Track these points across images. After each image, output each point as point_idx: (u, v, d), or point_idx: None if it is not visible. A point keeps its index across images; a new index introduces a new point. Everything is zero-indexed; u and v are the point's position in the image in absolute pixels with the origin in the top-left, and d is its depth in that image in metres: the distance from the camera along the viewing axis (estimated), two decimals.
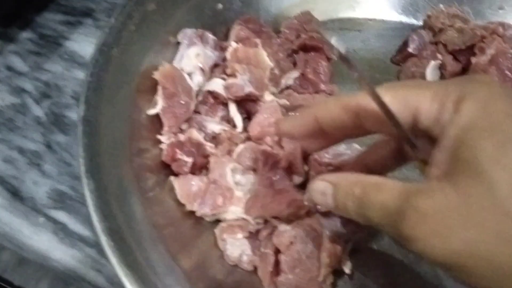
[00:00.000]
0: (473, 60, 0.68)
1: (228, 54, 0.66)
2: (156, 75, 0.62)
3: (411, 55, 0.75)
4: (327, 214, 0.59)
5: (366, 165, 0.52)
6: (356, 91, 0.73)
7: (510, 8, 0.78)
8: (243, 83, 0.63)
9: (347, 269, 0.57)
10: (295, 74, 0.71)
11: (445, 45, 0.72)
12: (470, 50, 0.70)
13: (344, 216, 0.44)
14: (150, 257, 0.51)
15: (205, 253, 0.58)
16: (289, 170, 0.61)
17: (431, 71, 0.72)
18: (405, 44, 0.76)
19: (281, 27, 0.77)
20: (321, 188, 0.45)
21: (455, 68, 0.71)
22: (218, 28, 0.74)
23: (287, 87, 0.71)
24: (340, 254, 0.57)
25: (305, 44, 0.73)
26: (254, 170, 0.60)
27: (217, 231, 0.58)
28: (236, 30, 0.72)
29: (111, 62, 0.60)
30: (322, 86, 0.69)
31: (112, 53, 0.60)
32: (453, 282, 0.58)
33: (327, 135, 0.47)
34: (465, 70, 0.71)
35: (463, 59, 0.71)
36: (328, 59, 0.73)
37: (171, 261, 0.53)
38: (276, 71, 0.70)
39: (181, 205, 0.58)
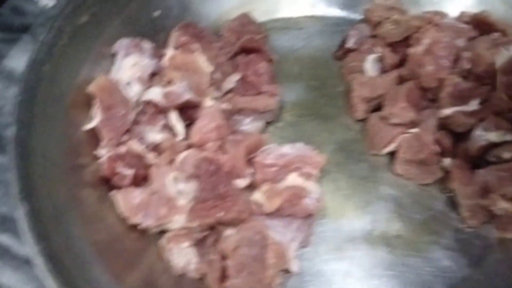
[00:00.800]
0: (410, 50, 0.69)
1: (165, 62, 0.66)
2: (91, 88, 0.61)
3: (350, 50, 0.76)
4: (271, 215, 0.59)
5: None
6: (297, 90, 0.75)
7: None
8: (181, 90, 0.63)
9: (294, 268, 0.58)
10: (236, 77, 0.70)
11: (383, 38, 0.73)
12: (407, 41, 0.71)
13: None
14: (91, 277, 0.50)
15: (151, 266, 0.57)
16: (233, 174, 0.61)
17: (370, 64, 0.73)
18: (345, 39, 0.76)
19: (222, 30, 0.77)
20: None
21: (393, 59, 0.72)
22: (158, 35, 0.74)
23: (229, 91, 0.70)
24: (286, 253, 0.57)
25: (245, 46, 0.72)
26: (198, 177, 0.60)
27: (162, 242, 0.58)
28: (175, 36, 0.71)
29: (43, 79, 0.59)
30: (264, 87, 0.69)
31: (43, 69, 0.59)
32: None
33: None
34: (403, 61, 0.72)
35: (401, 50, 0.72)
36: (269, 60, 0.73)
37: (115, 279, 0.52)
38: (218, 75, 0.70)
39: (124, 219, 0.58)
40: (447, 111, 0.64)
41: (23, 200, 0.50)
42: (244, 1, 0.81)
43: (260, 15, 0.80)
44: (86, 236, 0.53)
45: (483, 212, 0.62)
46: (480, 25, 0.72)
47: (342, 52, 0.77)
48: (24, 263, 0.61)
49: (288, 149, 0.64)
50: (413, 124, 0.67)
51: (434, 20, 0.72)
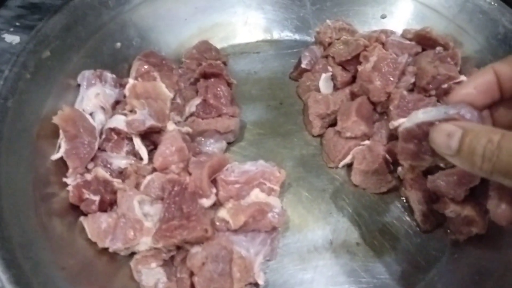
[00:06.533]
0: (359, 68, 0.74)
1: (126, 91, 0.68)
2: (56, 120, 0.63)
3: (305, 70, 0.80)
4: (236, 230, 0.62)
5: None
6: (257, 110, 0.78)
7: (391, 16, 0.85)
8: (143, 118, 0.65)
9: (260, 280, 0.60)
10: (197, 101, 0.73)
11: (333, 58, 0.78)
12: (356, 59, 0.76)
13: (459, 163, 0.46)
14: None
15: None
16: (198, 194, 0.63)
17: (323, 83, 0.77)
18: (299, 61, 0.81)
19: (183, 57, 0.80)
20: (449, 130, 0.46)
21: (344, 77, 0.76)
22: (120, 66, 0.77)
23: (191, 114, 0.73)
24: (251, 267, 0.59)
25: (205, 71, 0.76)
26: (162, 199, 0.62)
27: (132, 263, 0.60)
28: (136, 65, 0.74)
29: (8, 113, 0.61)
30: (224, 109, 0.73)
31: (8, 104, 0.61)
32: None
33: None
34: (354, 78, 0.76)
35: (351, 68, 0.77)
36: (228, 83, 0.76)
37: None
38: (179, 100, 0.73)
39: (93, 244, 0.60)
40: (396, 123, 0.68)
41: None
42: (202, 29, 0.85)
43: (219, 42, 0.85)
44: (56, 262, 0.55)
45: (436, 216, 0.66)
46: (423, 40, 0.78)
47: (298, 73, 0.81)
48: None
49: (250, 166, 0.67)
50: (365, 136, 0.71)
51: (381, 38, 0.77)
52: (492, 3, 0.77)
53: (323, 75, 0.77)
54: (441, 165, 0.66)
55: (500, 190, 0.51)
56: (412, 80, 0.73)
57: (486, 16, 0.77)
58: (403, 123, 0.55)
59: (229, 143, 0.75)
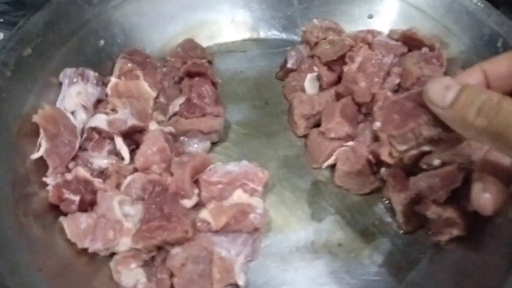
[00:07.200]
0: (345, 68, 0.73)
1: (108, 90, 0.68)
2: (36, 118, 0.63)
3: (291, 70, 0.80)
4: (217, 231, 0.61)
5: None
6: (242, 110, 0.78)
7: (378, 15, 0.85)
8: (125, 117, 0.65)
9: (241, 281, 0.60)
10: (181, 100, 0.73)
11: (319, 58, 0.77)
12: (342, 59, 0.75)
13: (450, 117, 0.44)
14: None
15: None
16: (179, 195, 0.63)
17: (309, 83, 0.77)
18: (285, 60, 0.80)
19: (168, 56, 0.80)
20: (447, 83, 0.45)
21: (330, 78, 0.76)
22: (104, 63, 0.76)
23: (175, 114, 0.73)
24: (232, 268, 0.59)
25: (190, 70, 0.75)
26: (143, 199, 0.62)
27: (111, 264, 0.59)
28: (120, 63, 0.73)
29: None
30: (208, 109, 0.72)
31: None
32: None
33: None
34: (340, 78, 0.76)
35: (337, 69, 0.76)
36: (213, 83, 0.76)
37: None
38: (162, 99, 0.73)
39: (73, 244, 0.59)
40: (380, 124, 0.68)
41: None
42: (188, 27, 0.84)
43: (204, 40, 0.84)
44: (34, 263, 0.54)
45: (418, 217, 0.66)
46: (409, 41, 0.77)
47: (284, 72, 0.81)
48: None
49: (233, 167, 0.67)
50: (349, 137, 0.71)
51: (367, 38, 0.77)
52: (479, 4, 0.76)
53: (309, 75, 0.77)
54: (424, 166, 0.66)
55: (484, 178, 0.51)
56: (397, 81, 0.73)
57: (472, 17, 0.76)
58: None
59: (213, 143, 0.74)
